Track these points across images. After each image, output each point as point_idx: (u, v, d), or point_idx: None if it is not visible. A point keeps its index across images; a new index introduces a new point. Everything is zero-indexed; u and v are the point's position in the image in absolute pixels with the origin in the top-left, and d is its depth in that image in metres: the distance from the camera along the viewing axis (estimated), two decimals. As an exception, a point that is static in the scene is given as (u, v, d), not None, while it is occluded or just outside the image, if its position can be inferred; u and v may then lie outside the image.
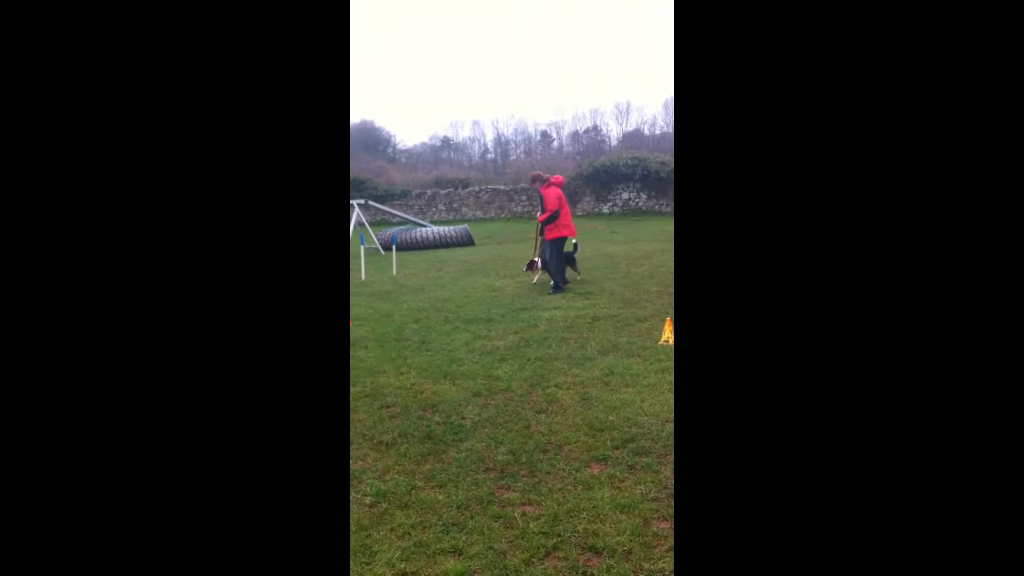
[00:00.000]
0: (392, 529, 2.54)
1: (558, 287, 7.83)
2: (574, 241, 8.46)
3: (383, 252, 14.40)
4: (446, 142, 52.59)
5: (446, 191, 25.98)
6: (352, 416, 3.86)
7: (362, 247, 11.48)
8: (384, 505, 2.73)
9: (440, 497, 2.78)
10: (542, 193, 7.97)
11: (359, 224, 14.89)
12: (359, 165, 31.45)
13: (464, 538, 2.45)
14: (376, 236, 15.30)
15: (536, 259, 8.42)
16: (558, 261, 7.91)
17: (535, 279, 8.55)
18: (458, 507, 2.68)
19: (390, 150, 45.21)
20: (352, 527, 2.56)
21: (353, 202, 15.06)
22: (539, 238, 8.34)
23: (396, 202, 24.90)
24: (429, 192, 26.18)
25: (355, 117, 72.99)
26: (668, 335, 5.24)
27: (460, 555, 2.34)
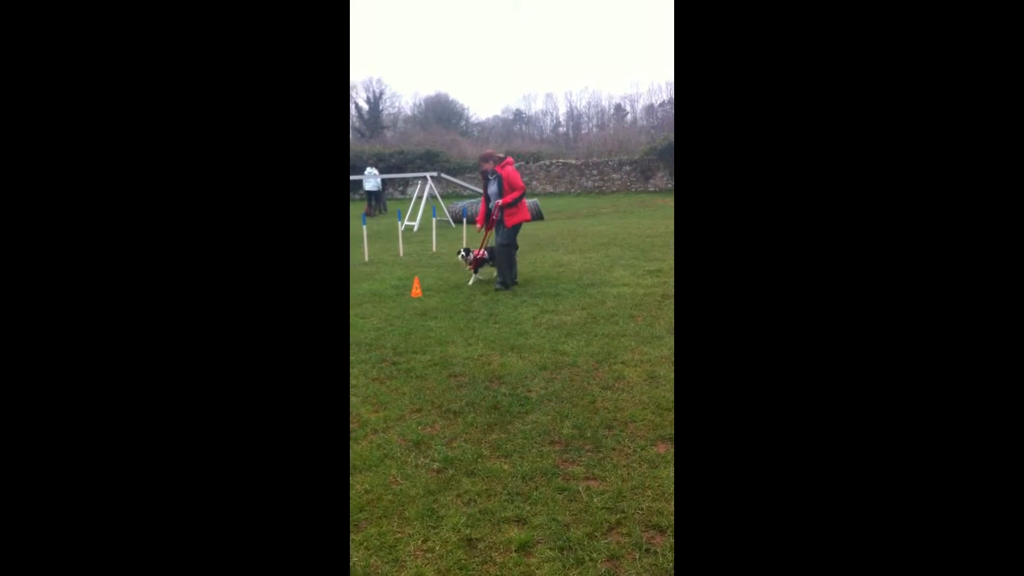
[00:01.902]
0: (458, 495, 2.60)
1: (506, 282, 6.79)
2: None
3: (454, 224, 14.56)
4: (518, 115, 52.35)
5: (517, 165, 25.89)
6: (421, 384, 3.95)
7: (434, 219, 11.64)
8: (451, 471, 2.80)
9: (505, 467, 2.83)
10: (501, 173, 6.77)
11: (431, 196, 15.09)
12: (432, 138, 31.76)
13: (528, 508, 2.48)
14: (447, 208, 15.46)
15: (484, 252, 7.20)
16: (511, 252, 6.86)
17: (472, 279, 7.31)
18: (523, 477, 2.72)
19: (463, 123, 45.41)
20: (420, 491, 2.64)
21: (426, 174, 15.24)
22: (495, 227, 6.96)
23: (468, 175, 25.05)
24: (500, 165, 26.14)
25: (429, 89, 73.36)
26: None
27: (524, 524, 2.38)
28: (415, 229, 13.85)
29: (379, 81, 56.25)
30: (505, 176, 6.75)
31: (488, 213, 6.99)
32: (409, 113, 46.72)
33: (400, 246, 10.61)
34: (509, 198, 6.72)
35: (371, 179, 18.16)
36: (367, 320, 5.71)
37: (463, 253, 7.34)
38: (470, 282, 7.19)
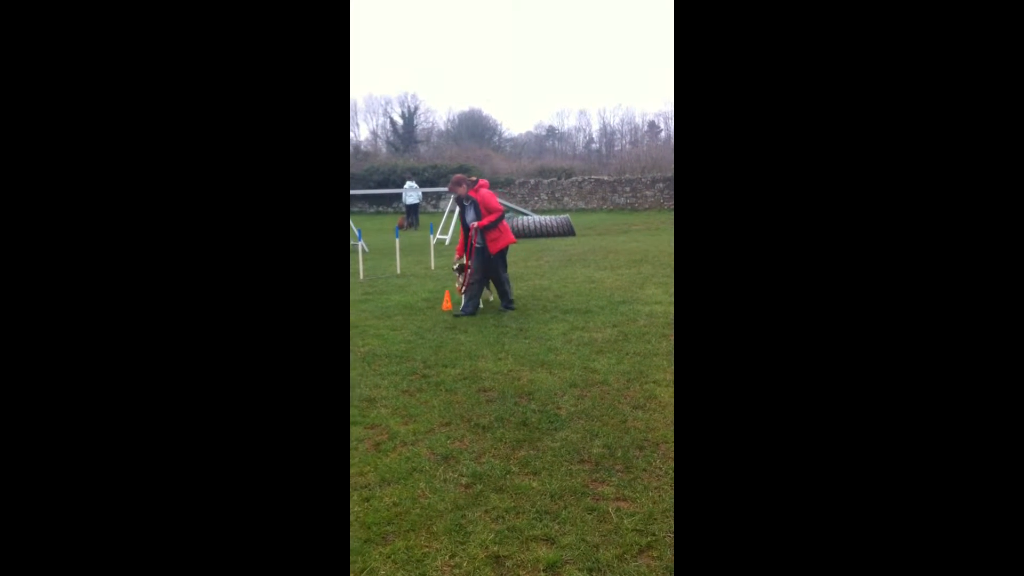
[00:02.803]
0: (487, 511, 2.58)
1: (510, 301, 6.53)
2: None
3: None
4: (551, 131, 52.56)
5: (549, 180, 26.00)
6: (451, 397, 3.95)
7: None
8: (479, 487, 2.78)
9: (534, 484, 2.80)
10: (475, 197, 6.31)
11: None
12: (465, 153, 32.07)
13: (557, 527, 2.45)
14: (478, 223, 15.54)
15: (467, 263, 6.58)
16: (504, 275, 6.50)
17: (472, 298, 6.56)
18: (552, 496, 2.69)
19: (496, 138, 45.75)
20: (448, 505, 2.62)
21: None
22: (471, 250, 6.43)
23: (499, 190, 25.18)
24: (532, 181, 26.30)
25: (463, 105, 74.21)
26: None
27: (553, 544, 2.34)
28: (447, 243, 13.95)
29: (414, 96, 57.08)
30: (480, 200, 6.27)
31: (467, 242, 6.43)
32: (443, 128, 47.27)
33: (431, 259, 10.68)
34: (485, 220, 6.21)
35: (412, 192, 18.34)
36: (398, 332, 5.74)
37: (458, 268, 6.83)
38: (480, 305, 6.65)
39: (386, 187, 24.55)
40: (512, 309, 6.49)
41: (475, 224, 6.28)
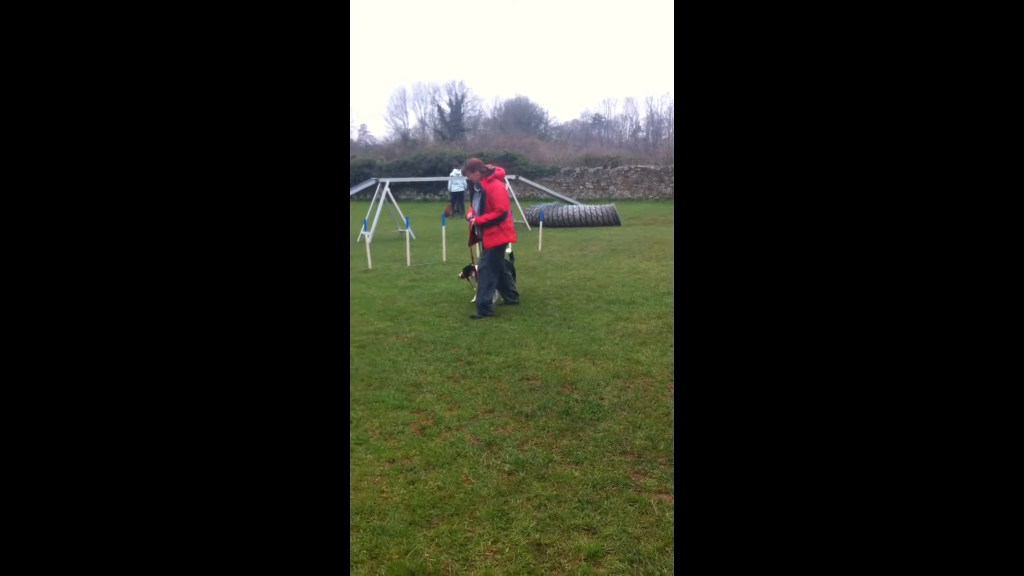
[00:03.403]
0: (529, 499, 2.61)
1: (485, 308, 5.87)
2: (509, 250, 6.46)
3: (530, 228, 14.62)
4: (597, 120, 52.03)
5: (595, 169, 25.79)
6: (494, 384, 3.99)
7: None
8: (522, 474, 2.81)
9: (576, 473, 2.81)
10: (484, 188, 5.89)
11: (509, 199, 15.19)
12: (511, 141, 32.01)
13: (599, 517, 2.46)
14: (524, 211, 15.55)
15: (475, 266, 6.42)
16: (490, 275, 5.97)
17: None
18: (593, 486, 2.70)
19: (542, 126, 45.56)
20: (491, 491, 2.66)
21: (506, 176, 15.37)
22: (477, 244, 6.26)
23: (545, 178, 25.12)
24: (578, 170, 26.13)
25: (509, 93, 73.97)
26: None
27: (594, 534, 2.36)
28: (492, 231, 13.99)
29: (461, 84, 57.24)
30: (488, 192, 5.86)
31: (474, 228, 6.21)
32: (489, 116, 47.30)
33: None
34: (484, 218, 5.85)
35: (457, 181, 18.46)
36: (443, 319, 5.81)
37: (462, 274, 6.73)
38: (500, 301, 6.41)
39: (433, 175, 24.75)
40: (486, 315, 5.84)
41: (472, 219, 6.05)
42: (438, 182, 23.56)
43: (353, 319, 5.83)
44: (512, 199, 15.09)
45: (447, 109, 43.78)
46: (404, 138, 38.45)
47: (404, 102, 56.98)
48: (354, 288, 7.46)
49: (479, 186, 5.99)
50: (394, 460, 2.99)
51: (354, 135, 48.76)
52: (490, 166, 6.06)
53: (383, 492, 2.69)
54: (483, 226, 5.90)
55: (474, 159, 6.14)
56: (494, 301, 6.16)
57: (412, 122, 48.07)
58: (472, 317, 5.84)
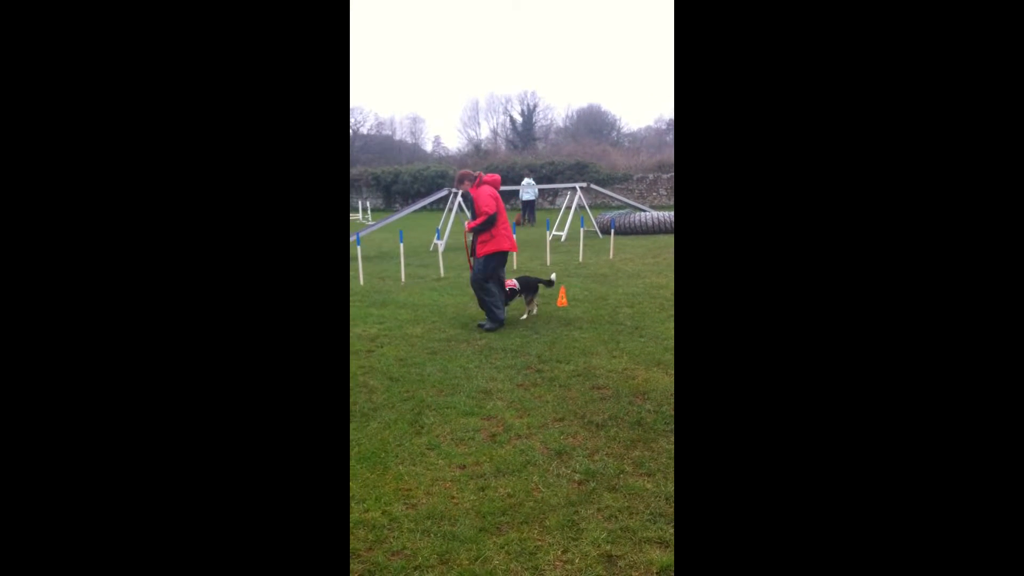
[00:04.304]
0: (599, 509, 2.57)
1: (495, 318, 5.71)
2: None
3: (601, 235, 14.51)
4: (672, 125, 51.13)
5: (668, 176, 25.34)
6: (565, 393, 3.96)
7: (581, 229, 11.68)
8: (592, 484, 2.77)
9: (648, 485, 2.75)
10: (472, 194, 5.84)
11: (580, 207, 15.14)
12: (583, 149, 31.90)
13: (671, 531, 2.39)
14: (595, 219, 15.45)
15: (515, 282, 6.18)
16: (487, 284, 5.77)
17: (524, 314, 6.24)
18: (666, 498, 2.62)
19: (614, 133, 45.19)
20: (561, 501, 2.63)
21: (575, 185, 15.35)
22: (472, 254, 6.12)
23: (617, 186, 24.88)
24: (651, 176, 25.76)
25: (581, 101, 73.83)
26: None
27: (667, 547, 2.29)
28: (563, 239, 13.97)
29: (533, 94, 57.57)
30: (474, 198, 5.78)
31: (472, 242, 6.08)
32: (561, 125, 47.33)
33: (547, 255, 10.73)
34: (475, 222, 5.74)
35: (529, 189, 18.56)
36: (513, 327, 5.82)
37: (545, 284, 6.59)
38: (523, 316, 6.21)
39: (504, 184, 24.94)
40: (491, 330, 5.67)
41: (467, 224, 5.92)
42: (509, 191, 23.74)
43: (425, 326, 5.94)
44: (583, 207, 15.03)
45: (519, 119, 44.11)
46: (476, 148, 38.95)
47: (477, 113, 57.81)
48: (427, 296, 7.60)
49: (468, 195, 5.98)
50: (464, 466, 3.01)
51: (428, 147, 49.84)
52: (476, 173, 5.95)
53: (454, 497, 2.71)
54: (475, 232, 5.81)
55: (463, 171, 6.03)
56: (501, 309, 5.87)
57: (484, 132, 48.70)
58: (480, 326, 5.75)
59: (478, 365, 4.64)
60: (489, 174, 6.03)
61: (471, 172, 5.98)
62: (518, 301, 6.38)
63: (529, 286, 6.18)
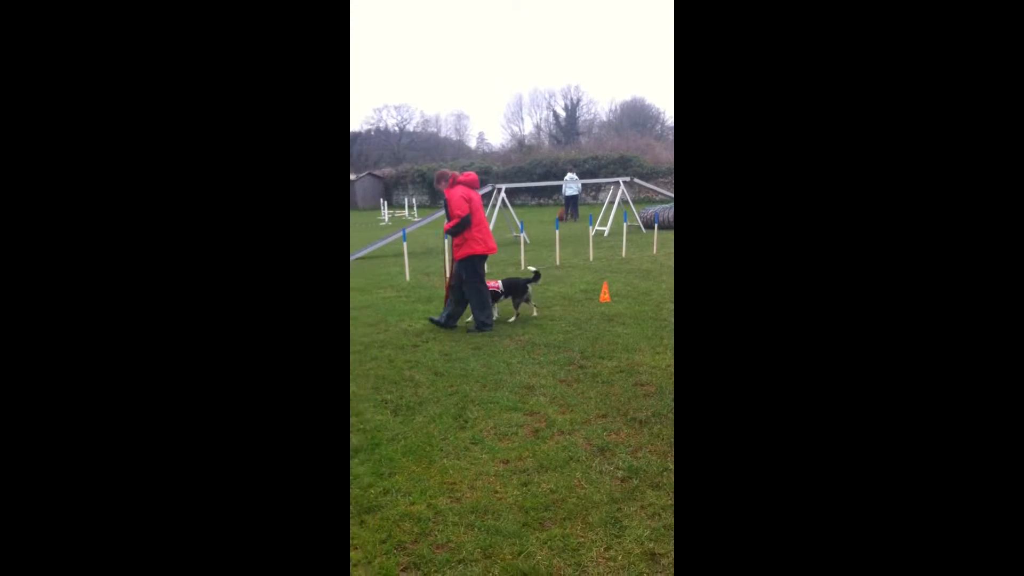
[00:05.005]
0: (642, 507, 2.56)
1: (483, 324, 5.61)
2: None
3: (644, 231, 14.35)
4: (718, 117, 50.07)
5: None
6: (607, 389, 3.95)
7: (624, 224, 11.58)
8: (635, 481, 2.76)
9: (692, 484, 2.72)
10: (445, 195, 5.67)
11: (623, 202, 15.01)
12: (626, 143, 31.59)
13: (716, 530, 2.37)
14: (638, 214, 15.29)
15: (499, 284, 6.02)
16: (473, 287, 5.63)
17: (512, 316, 6.05)
18: (711, 497, 2.60)
19: (658, 127, 44.58)
20: (604, 497, 2.64)
21: (618, 180, 15.22)
22: (449, 256, 6.00)
23: (661, 180, 24.54)
24: (696, 170, 25.28)
25: (625, 94, 72.92)
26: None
27: (711, 547, 2.27)
28: (605, 234, 13.88)
29: (577, 88, 57.27)
30: (447, 199, 5.64)
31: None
32: (604, 119, 46.94)
33: (590, 251, 10.69)
34: (448, 224, 5.64)
35: (571, 184, 18.49)
36: (556, 323, 5.83)
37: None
38: (511, 319, 6.03)
39: (548, 179, 24.91)
40: (486, 329, 5.60)
41: (445, 225, 5.79)
42: (552, 186, 23.68)
43: (469, 322, 5.99)
44: (627, 201, 14.89)
45: (562, 113, 43.94)
46: (520, 144, 38.98)
47: (520, 108, 57.78)
48: (470, 291, 7.64)
49: (442, 195, 5.87)
50: (508, 461, 3.04)
51: (472, 143, 50.06)
52: (451, 173, 5.80)
53: (497, 492, 2.74)
54: (449, 233, 5.67)
55: (442, 171, 5.89)
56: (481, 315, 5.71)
57: (528, 128, 48.68)
58: (469, 332, 5.65)
59: (521, 361, 4.67)
60: (465, 173, 5.84)
61: (447, 172, 5.83)
62: (505, 303, 6.24)
63: (516, 288, 6.03)
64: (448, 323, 5.81)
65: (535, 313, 6.14)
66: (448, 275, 5.97)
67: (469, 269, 5.62)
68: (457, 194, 5.57)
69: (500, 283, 6.03)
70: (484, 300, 5.64)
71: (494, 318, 5.80)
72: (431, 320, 5.93)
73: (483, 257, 5.67)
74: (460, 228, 5.53)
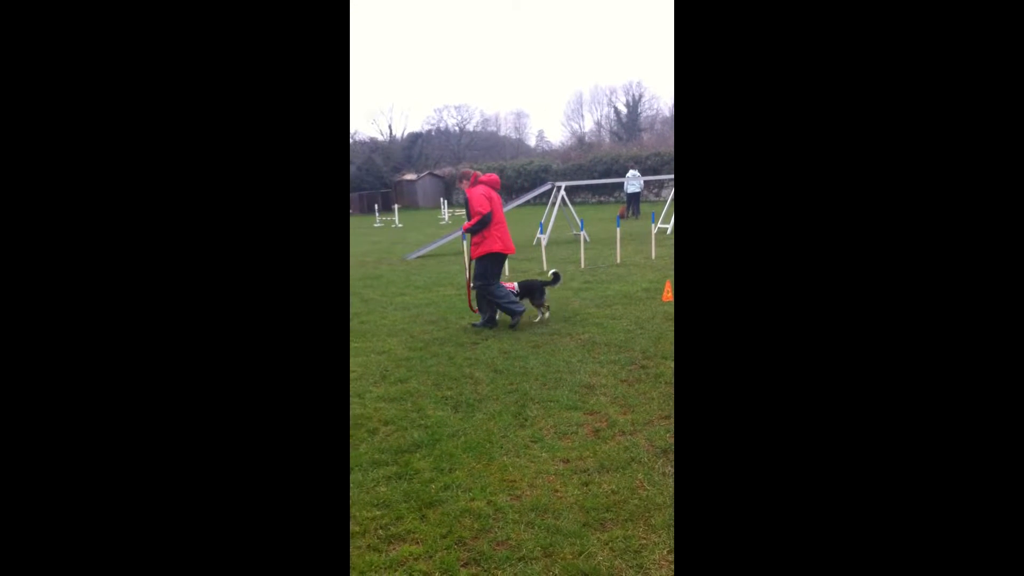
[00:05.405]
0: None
1: (513, 311, 5.66)
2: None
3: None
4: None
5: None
6: (670, 390, 3.87)
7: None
8: (699, 485, 2.69)
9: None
10: (467, 194, 5.75)
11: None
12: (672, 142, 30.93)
13: (785, 538, 2.28)
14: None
15: (515, 286, 6.00)
16: (487, 286, 5.67)
17: (538, 316, 6.00)
18: (780, 504, 2.51)
19: (723, 122, 43.43)
20: (666, 500, 2.58)
21: (663, 177, 14.85)
22: (468, 255, 6.00)
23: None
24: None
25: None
26: None
27: (780, 555, 2.19)
28: (668, 232, 13.62)
29: (639, 84, 56.49)
30: (468, 197, 5.71)
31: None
32: (667, 114, 46.08)
33: (652, 249, 10.52)
34: (468, 223, 5.67)
35: (633, 181, 18.25)
36: (617, 321, 5.76)
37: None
38: (536, 319, 5.99)
39: (608, 177, 24.67)
40: (490, 326, 5.74)
41: (464, 224, 5.85)
42: (613, 184, 23.44)
43: (528, 320, 5.99)
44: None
45: (623, 110, 43.44)
46: (580, 141, 38.75)
47: (580, 106, 57.41)
48: (530, 289, 7.64)
49: (464, 194, 5.90)
50: (568, 460, 3.01)
51: (531, 141, 50.09)
52: (479, 174, 5.83)
53: (557, 491, 2.72)
54: (468, 232, 5.70)
55: (466, 170, 5.95)
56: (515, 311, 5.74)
57: (588, 125, 48.35)
58: (474, 325, 5.76)
59: (581, 359, 4.63)
60: (487, 174, 5.90)
61: (470, 171, 5.89)
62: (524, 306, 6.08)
63: (533, 289, 5.98)
64: (489, 324, 5.82)
65: (547, 316, 5.99)
66: (468, 275, 6.05)
67: (485, 267, 5.68)
68: (478, 192, 5.63)
69: (516, 285, 6.01)
70: (503, 293, 5.68)
71: (518, 305, 5.76)
72: (474, 326, 5.92)
73: (502, 256, 5.75)
74: (480, 225, 5.58)
